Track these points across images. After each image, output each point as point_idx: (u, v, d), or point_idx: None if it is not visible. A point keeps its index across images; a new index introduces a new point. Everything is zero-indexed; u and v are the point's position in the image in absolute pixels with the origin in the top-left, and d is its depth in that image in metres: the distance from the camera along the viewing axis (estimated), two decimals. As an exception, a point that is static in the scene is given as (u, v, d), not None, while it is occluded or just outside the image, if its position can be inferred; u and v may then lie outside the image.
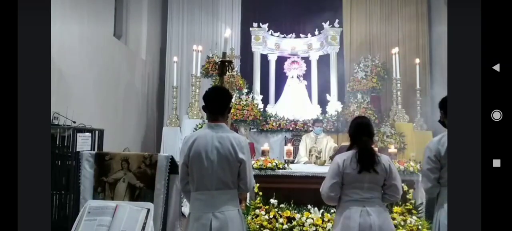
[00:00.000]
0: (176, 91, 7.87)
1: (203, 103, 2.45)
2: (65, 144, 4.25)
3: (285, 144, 6.37)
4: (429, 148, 2.57)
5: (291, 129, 7.40)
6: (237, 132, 7.16)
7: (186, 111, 7.68)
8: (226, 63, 3.71)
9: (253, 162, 4.55)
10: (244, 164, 2.33)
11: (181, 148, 2.41)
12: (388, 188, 2.60)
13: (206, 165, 2.29)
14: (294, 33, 8.77)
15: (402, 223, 4.08)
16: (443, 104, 2.56)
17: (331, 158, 5.25)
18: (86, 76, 5.78)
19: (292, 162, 5.12)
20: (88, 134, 4.42)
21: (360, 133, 2.63)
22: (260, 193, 4.31)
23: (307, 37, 8.76)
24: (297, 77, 8.39)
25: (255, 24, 8.42)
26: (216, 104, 2.41)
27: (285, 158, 5.02)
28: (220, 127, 2.37)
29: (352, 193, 2.56)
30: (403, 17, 8.87)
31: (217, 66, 4.06)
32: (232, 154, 2.30)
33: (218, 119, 2.39)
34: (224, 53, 3.89)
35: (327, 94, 8.20)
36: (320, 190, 2.69)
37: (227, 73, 6.16)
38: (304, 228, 4.09)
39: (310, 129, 6.85)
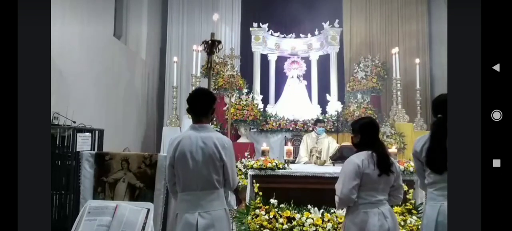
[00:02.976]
0: (176, 91, 7.87)
1: (187, 106, 2.48)
2: (65, 144, 4.24)
3: (285, 144, 6.36)
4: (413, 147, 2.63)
5: (291, 129, 7.40)
6: (237, 132, 7.19)
7: (186, 111, 7.66)
8: (216, 43, 4.23)
9: (253, 162, 4.57)
10: (226, 165, 2.37)
11: (167, 150, 2.46)
12: (395, 190, 2.59)
13: (191, 165, 2.32)
14: (294, 33, 8.78)
15: (402, 223, 4.08)
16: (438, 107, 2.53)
17: (331, 158, 5.25)
18: (86, 76, 5.78)
19: (292, 162, 5.11)
20: (88, 134, 4.41)
21: (374, 134, 2.61)
22: (260, 193, 4.31)
23: (307, 37, 8.76)
24: (297, 77, 8.39)
25: (255, 24, 8.42)
26: (199, 106, 2.44)
27: (285, 158, 5.02)
28: (204, 128, 2.40)
29: (367, 195, 2.49)
30: (403, 17, 8.87)
31: (207, 45, 4.36)
32: (216, 153, 2.33)
33: (201, 120, 2.42)
34: (212, 34, 4.38)
35: (327, 94, 8.20)
36: (338, 193, 2.52)
37: (226, 72, 6.41)
38: (304, 228, 4.09)
39: (311, 129, 6.85)
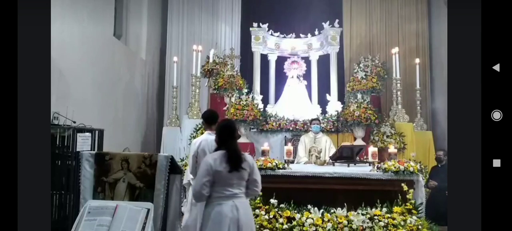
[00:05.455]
0: (176, 91, 7.86)
1: (202, 119, 4.39)
2: (65, 144, 4.25)
3: (285, 144, 6.36)
4: None
5: (291, 129, 7.38)
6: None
7: (186, 111, 7.66)
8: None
9: (253, 162, 4.63)
10: None
11: (191, 147, 3.99)
12: (250, 183, 2.89)
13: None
14: (294, 33, 8.75)
15: (402, 223, 4.08)
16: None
17: (331, 157, 5.25)
18: (86, 76, 5.78)
19: (292, 162, 5.11)
20: (88, 134, 4.42)
21: (229, 135, 2.90)
22: (260, 193, 4.31)
23: (307, 37, 8.73)
24: (297, 77, 8.36)
25: (255, 24, 8.40)
26: (210, 120, 3.91)
27: (285, 158, 5.02)
28: (214, 134, 3.43)
29: (222, 189, 2.78)
30: (403, 17, 8.86)
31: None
32: None
33: (212, 128, 3.80)
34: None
35: (327, 94, 8.18)
36: (192, 188, 2.91)
37: (226, 72, 7.28)
38: (304, 228, 4.09)
39: (310, 129, 6.85)
